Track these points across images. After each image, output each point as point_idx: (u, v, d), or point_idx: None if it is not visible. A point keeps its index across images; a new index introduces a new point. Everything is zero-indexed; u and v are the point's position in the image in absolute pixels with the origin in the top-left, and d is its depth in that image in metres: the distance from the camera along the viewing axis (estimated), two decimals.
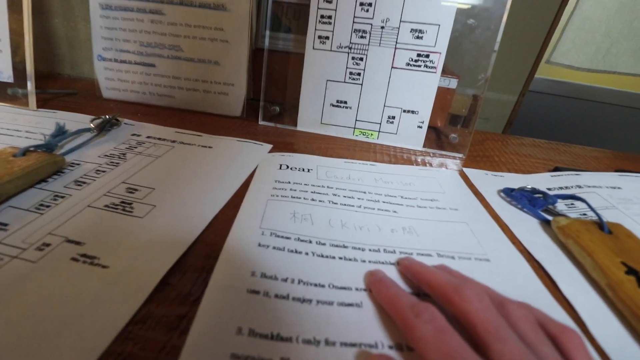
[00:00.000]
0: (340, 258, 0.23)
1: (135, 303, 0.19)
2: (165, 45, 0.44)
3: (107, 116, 0.39)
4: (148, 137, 0.38)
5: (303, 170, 0.34)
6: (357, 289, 0.21)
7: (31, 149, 0.30)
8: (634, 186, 0.37)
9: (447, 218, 0.30)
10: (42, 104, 0.45)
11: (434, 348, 0.15)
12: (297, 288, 0.21)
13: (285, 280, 0.21)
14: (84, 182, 0.29)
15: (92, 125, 0.38)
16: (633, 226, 0.29)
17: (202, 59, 0.44)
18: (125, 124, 0.41)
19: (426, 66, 0.40)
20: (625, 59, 0.84)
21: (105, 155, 0.34)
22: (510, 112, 0.64)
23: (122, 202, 0.27)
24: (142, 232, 0.24)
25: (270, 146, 0.39)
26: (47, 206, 0.26)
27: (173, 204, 0.27)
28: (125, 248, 0.22)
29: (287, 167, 0.35)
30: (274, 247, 0.23)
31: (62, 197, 0.27)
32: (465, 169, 0.39)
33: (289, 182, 0.32)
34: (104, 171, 0.31)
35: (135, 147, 0.36)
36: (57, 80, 0.57)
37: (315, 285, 0.21)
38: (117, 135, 0.38)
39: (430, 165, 0.40)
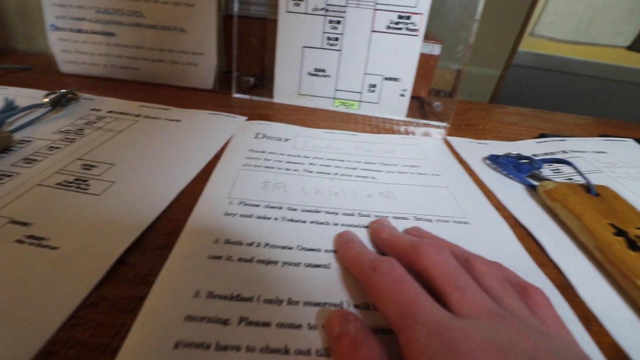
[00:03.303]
0: (312, 222, 0.22)
1: (87, 285, 0.17)
2: (124, 10, 0.40)
3: (63, 90, 0.36)
4: (109, 111, 0.35)
5: (280, 139, 0.32)
6: (326, 251, 0.20)
7: None
8: (619, 150, 0.37)
9: (427, 183, 0.28)
10: None
11: (390, 301, 0.14)
12: (263, 251, 0.19)
13: (251, 244, 0.20)
14: (35, 160, 0.26)
15: (45, 100, 0.34)
16: (619, 189, 0.28)
17: (166, 25, 0.40)
18: (84, 98, 0.38)
19: (408, 29, 0.38)
20: (607, 30, 0.84)
21: (60, 132, 0.31)
22: (494, 87, 0.62)
23: (77, 179, 0.24)
24: (98, 210, 0.22)
25: (244, 118, 0.37)
26: None
27: (134, 179, 0.25)
28: (78, 228, 0.20)
29: (264, 136, 0.32)
30: (241, 215, 0.22)
31: (9, 176, 0.24)
32: (449, 138, 0.38)
33: (264, 152, 0.30)
34: (57, 148, 0.28)
35: (95, 122, 0.33)
36: (10, 56, 0.52)
37: (283, 247, 0.20)
38: (74, 111, 0.35)
39: (414, 134, 0.38)
